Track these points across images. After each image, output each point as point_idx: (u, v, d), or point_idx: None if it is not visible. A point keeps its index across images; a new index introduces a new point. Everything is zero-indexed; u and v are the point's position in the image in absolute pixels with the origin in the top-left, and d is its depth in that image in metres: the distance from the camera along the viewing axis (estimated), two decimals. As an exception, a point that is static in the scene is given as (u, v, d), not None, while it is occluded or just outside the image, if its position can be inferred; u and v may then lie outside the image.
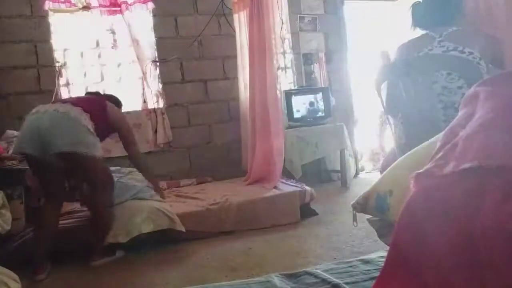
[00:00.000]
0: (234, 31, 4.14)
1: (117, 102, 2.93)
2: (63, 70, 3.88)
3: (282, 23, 3.85)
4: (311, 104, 4.34)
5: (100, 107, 2.65)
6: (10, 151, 3.03)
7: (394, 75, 2.05)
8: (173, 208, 2.88)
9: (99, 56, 4.04)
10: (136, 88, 4.13)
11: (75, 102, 2.56)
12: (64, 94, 3.89)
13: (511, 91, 0.80)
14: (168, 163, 4.12)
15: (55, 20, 3.85)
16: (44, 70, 3.78)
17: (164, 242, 2.74)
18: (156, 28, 4.14)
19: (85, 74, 3.96)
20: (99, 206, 2.60)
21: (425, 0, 2.02)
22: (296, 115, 4.26)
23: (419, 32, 2.06)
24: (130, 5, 3.95)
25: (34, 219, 2.66)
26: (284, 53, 4.40)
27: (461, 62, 1.84)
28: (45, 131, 2.36)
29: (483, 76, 1.81)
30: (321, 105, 4.38)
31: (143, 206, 2.76)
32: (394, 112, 2.12)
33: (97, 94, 2.97)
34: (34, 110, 2.48)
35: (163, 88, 4.18)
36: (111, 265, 2.53)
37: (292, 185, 3.43)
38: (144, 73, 4.07)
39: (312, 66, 4.69)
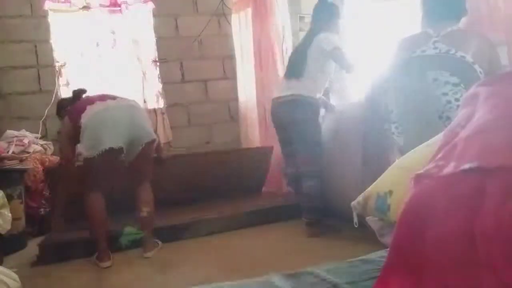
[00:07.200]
0: (233, 31, 4.14)
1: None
2: (63, 70, 3.88)
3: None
4: (311, 104, 4.32)
5: None
6: (11, 151, 3.03)
7: (391, 76, 2.07)
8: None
9: (99, 56, 4.04)
10: (136, 88, 4.13)
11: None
12: (64, 94, 3.89)
13: (511, 91, 0.80)
14: (168, 163, 4.11)
15: (55, 20, 3.85)
16: (44, 70, 3.78)
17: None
18: (156, 28, 4.14)
19: (85, 74, 3.96)
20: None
21: None
22: (296, 115, 4.24)
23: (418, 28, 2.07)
24: (130, 5, 3.95)
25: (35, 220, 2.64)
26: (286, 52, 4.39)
27: (454, 61, 1.86)
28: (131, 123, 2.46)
29: (478, 74, 1.82)
30: (321, 105, 4.36)
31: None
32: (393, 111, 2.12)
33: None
34: (100, 108, 2.43)
35: (163, 88, 4.18)
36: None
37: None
38: (144, 73, 4.07)
39: (312, 66, 4.68)
